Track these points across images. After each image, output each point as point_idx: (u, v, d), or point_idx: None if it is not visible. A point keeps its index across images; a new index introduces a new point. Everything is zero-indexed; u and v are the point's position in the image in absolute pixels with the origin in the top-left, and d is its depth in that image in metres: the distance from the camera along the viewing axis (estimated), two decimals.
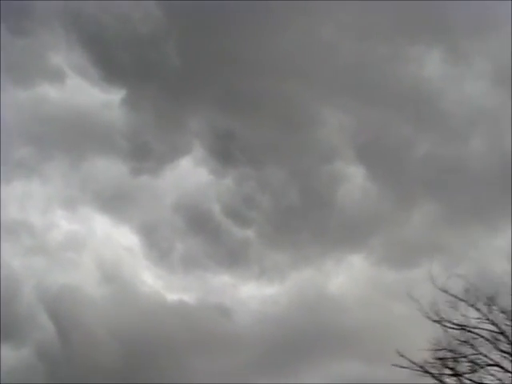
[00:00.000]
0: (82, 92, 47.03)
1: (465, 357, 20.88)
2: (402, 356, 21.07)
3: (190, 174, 47.93)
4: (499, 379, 20.41)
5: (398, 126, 45.48)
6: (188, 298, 45.16)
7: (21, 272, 43.51)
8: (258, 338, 42.94)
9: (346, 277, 45.77)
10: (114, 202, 48.12)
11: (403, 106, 45.38)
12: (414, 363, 20.85)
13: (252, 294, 45.78)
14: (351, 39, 44.75)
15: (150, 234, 46.96)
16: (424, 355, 20.91)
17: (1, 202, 44.07)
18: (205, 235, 47.09)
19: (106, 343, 40.24)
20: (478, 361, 20.63)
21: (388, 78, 44.97)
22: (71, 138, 47.55)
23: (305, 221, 46.61)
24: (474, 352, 20.75)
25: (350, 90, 45.63)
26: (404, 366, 21.03)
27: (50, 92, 46.71)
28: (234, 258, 46.45)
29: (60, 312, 41.17)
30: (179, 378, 40.70)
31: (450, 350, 20.79)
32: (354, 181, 46.46)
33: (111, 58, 45.28)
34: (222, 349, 42.44)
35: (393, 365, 21.11)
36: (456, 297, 20.76)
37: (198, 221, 47.00)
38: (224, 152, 46.56)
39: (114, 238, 47.27)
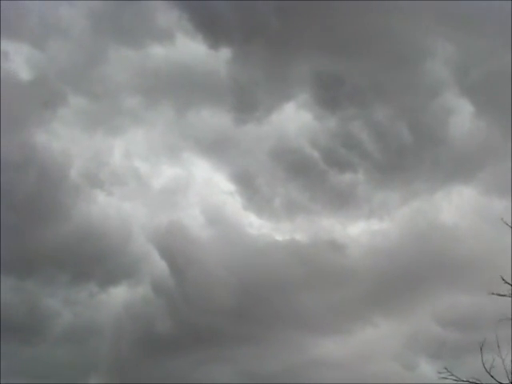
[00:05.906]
0: (190, 50, 47.63)
1: None
2: (507, 283, 20.70)
3: (294, 119, 47.91)
4: None
5: (504, 55, 43.87)
6: (299, 236, 46.06)
7: (130, 214, 45.61)
8: (370, 272, 43.32)
9: (456, 208, 45.38)
10: (215, 149, 49.01)
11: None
12: None
13: (362, 230, 46.19)
14: None
15: (250, 181, 47.42)
16: None
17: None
18: (309, 180, 47.34)
19: (219, 280, 41.73)
20: None
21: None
22: (178, 90, 48.70)
23: (415, 157, 46.11)
24: None
25: (455, 20, 44.38)
26: (503, 293, 20.68)
27: (158, 51, 47.63)
28: (341, 200, 46.70)
29: (171, 250, 42.85)
30: (292, 314, 42.01)
31: None
32: (462, 113, 45.58)
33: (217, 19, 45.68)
34: (334, 283, 43.21)
35: (491, 293, 20.80)
36: None
37: (300, 166, 47.30)
38: (329, 96, 46.34)
39: (213, 184, 48.29)
